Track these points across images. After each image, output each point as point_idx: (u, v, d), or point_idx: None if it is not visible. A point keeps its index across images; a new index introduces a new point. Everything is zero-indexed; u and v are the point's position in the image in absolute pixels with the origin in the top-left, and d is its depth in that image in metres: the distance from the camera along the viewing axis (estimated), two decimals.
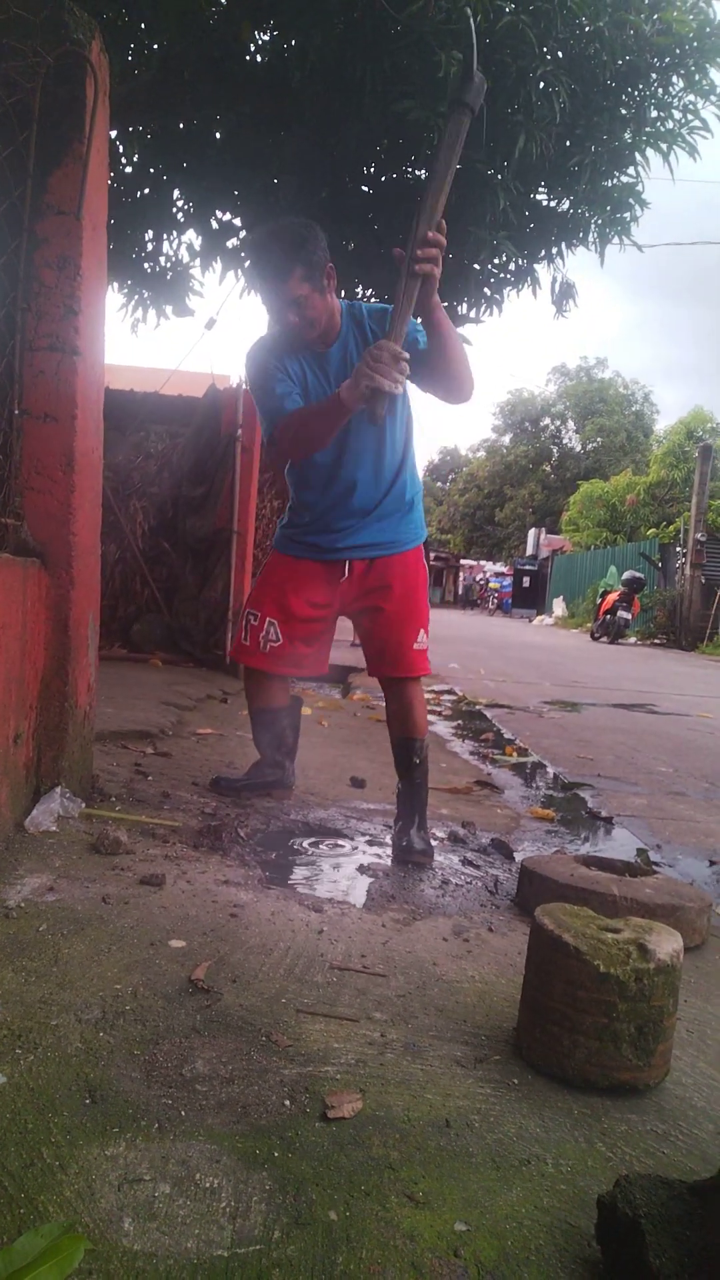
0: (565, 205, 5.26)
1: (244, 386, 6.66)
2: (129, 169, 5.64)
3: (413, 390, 2.60)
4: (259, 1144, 1.23)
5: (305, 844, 2.77)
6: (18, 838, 2.37)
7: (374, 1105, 1.36)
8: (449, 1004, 1.72)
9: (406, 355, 2.24)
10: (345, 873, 2.53)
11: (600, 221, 5.20)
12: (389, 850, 2.72)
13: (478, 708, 6.60)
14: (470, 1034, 1.62)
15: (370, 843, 2.81)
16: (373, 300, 6.06)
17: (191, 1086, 1.35)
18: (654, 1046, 1.46)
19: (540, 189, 5.20)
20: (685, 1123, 1.40)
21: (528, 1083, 1.47)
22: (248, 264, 2.45)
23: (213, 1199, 1.12)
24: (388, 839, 2.82)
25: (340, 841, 2.81)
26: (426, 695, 3.24)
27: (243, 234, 5.84)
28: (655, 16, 4.64)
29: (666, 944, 1.49)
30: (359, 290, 6.10)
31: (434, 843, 2.77)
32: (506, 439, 49.78)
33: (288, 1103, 1.34)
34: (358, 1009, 1.66)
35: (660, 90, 4.95)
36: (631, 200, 5.16)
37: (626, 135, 4.96)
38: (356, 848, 2.76)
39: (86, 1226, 1.05)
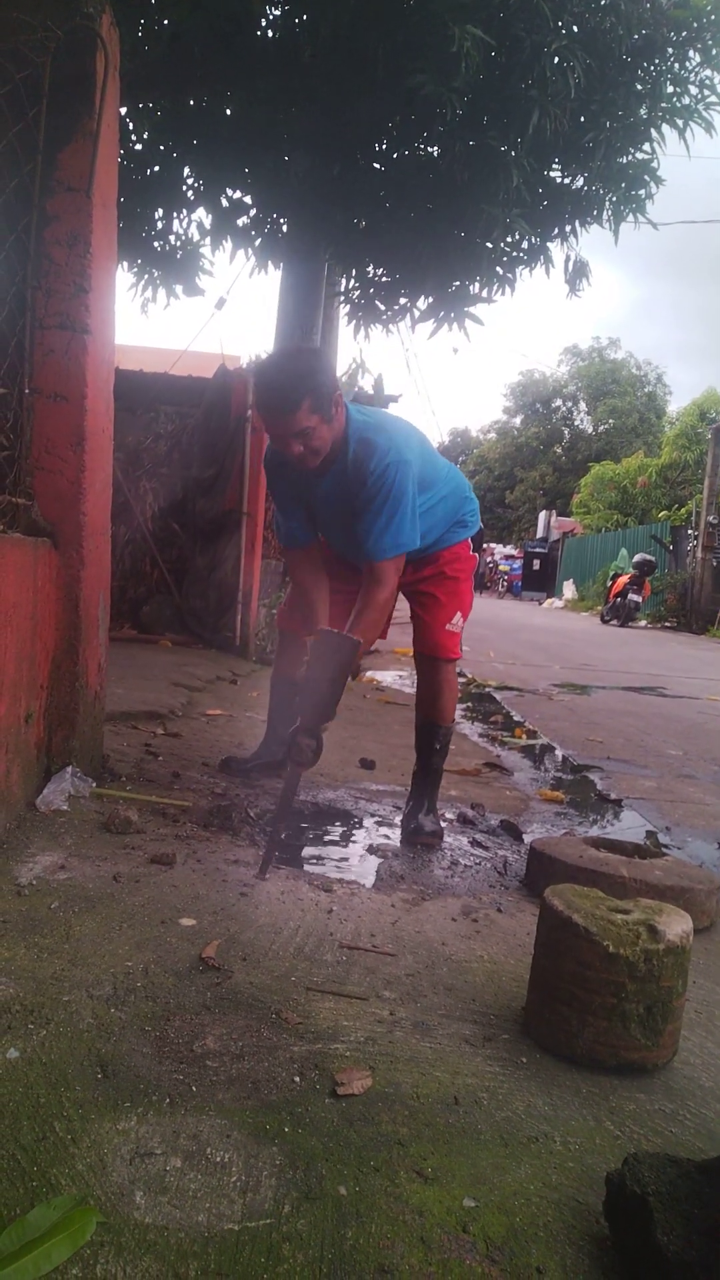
0: (579, 182, 5.19)
1: (254, 367, 6.63)
2: (139, 146, 5.59)
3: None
4: (269, 1119, 1.24)
5: (315, 824, 2.77)
6: (29, 816, 2.39)
7: (383, 1082, 1.36)
8: (458, 983, 1.73)
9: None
10: (354, 853, 2.54)
11: (615, 199, 5.13)
12: (398, 831, 2.72)
13: (487, 690, 6.60)
14: (479, 1013, 1.62)
15: (379, 823, 2.82)
16: (383, 278, 6.01)
17: (202, 1062, 1.37)
18: (663, 1027, 1.46)
19: (554, 166, 5.13)
20: (693, 1102, 1.41)
21: (536, 1061, 1.48)
22: (255, 395, 2.39)
23: (223, 1173, 1.13)
24: (397, 820, 2.82)
25: (350, 822, 2.82)
26: None
27: (253, 212, 5.80)
28: None
29: (676, 925, 1.49)
30: (370, 270, 6.05)
31: (443, 824, 2.78)
32: (517, 420, 49.47)
33: (298, 1079, 1.35)
34: (367, 987, 1.67)
35: (676, 65, 4.87)
36: (646, 177, 5.09)
37: (642, 111, 4.88)
38: (366, 828, 2.77)
39: (98, 1199, 1.06)
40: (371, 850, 2.55)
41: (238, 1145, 1.19)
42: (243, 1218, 1.06)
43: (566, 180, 5.22)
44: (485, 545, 39.14)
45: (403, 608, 2.94)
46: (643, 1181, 1.05)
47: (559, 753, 4.46)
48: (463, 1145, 1.24)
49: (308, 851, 2.53)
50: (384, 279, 6.04)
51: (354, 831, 2.74)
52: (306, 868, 2.37)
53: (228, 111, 5.28)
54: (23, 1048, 1.35)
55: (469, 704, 5.89)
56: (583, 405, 46.89)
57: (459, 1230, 1.07)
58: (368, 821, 2.83)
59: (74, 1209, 1.01)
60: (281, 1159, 1.17)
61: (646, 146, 5.04)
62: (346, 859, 2.49)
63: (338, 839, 2.67)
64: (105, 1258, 0.98)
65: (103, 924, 1.81)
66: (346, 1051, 1.44)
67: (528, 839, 2.77)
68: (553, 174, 5.19)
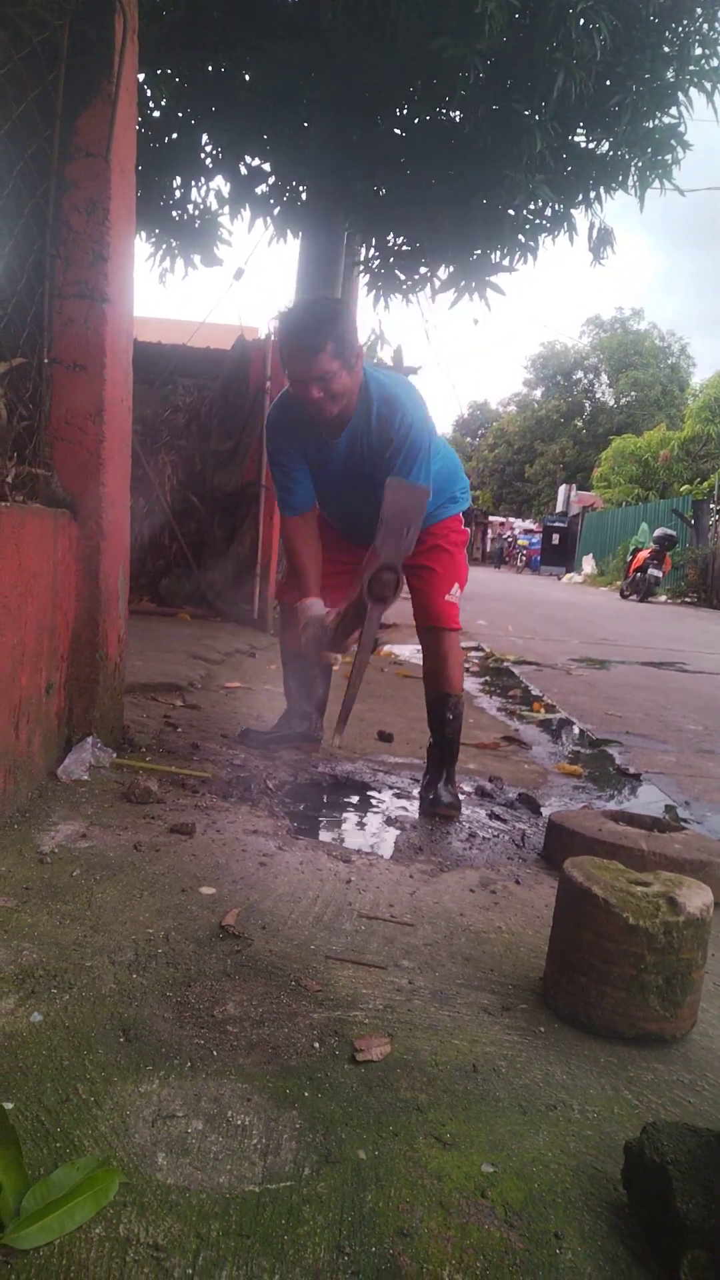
0: (604, 147, 5.10)
1: (273, 338, 6.59)
2: (156, 113, 5.53)
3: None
4: (289, 1084, 1.26)
5: (333, 796, 2.78)
6: (50, 786, 2.41)
7: (402, 1049, 1.37)
8: (476, 953, 1.74)
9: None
10: (373, 824, 2.55)
11: (640, 164, 5.03)
12: (416, 803, 2.73)
13: (505, 664, 6.58)
14: (497, 983, 1.63)
15: (398, 795, 2.82)
16: (403, 247, 5.93)
17: (223, 1027, 1.38)
18: (681, 998, 1.46)
19: (579, 130, 5.03)
20: (712, 1073, 1.41)
21: (554, 1031, 1.49)
22: (279, 337, 2.47)
23: (244, 1136, 1.14)
24: (415, 792, 2.83)
25: (368, 794, 2.83)
26: None
27: (271, 180, 5.73)
28: None
29: (696, 898, 1.49)
30: (390, 239, 5.98)
31: (461, 797, 2.78)
32: (538, 393, 49.01)
33: (317, 1045, 1.36)
34: (386, 957, 1.67)
35: (705, 26, 4.76)
36: (673, 142, 4.99)
37: (669, 74, 4.78)
38: (384, 800, 2.77)
39: (121, 1161, 1.07)
40: (390, 822, 2.56)
41: (258, 1109, 1.20)
42: (263, 1180, 1.07)
43: (591, 145, 5.13)
44: (504, 520, 38.93)
45: None
46: (661, 1150, 1.05)
47: (577, 727, 4.45)
48: (481, 1112, 1.25)
49: (326, 822, 2.54)
50: (404, 247, 5.97)
51: (372, 803, 2.74)
52: (325, 838, 2.38)
53: (246, 77, 5.21)
54: (46, 1011, 1.37)
55: (487, 678, 5.88)
56: (604, 377, 46.38)
57: (478, 1195, 1.08)
58: (386, 793, 2.84)
59: (97, 1169, 1.02)
60: (301, 1123, 1.18)
61: (674, 110, 4.94)
62: (365, 830, 2.50)
63: (356, 811, 2.67)
64: (128, 1217, 0.99)
65: (124, 892, 1.83)
66: (365, 1019, 1.45)
67: (546, 812, 2.77)
68: (577, 139, 5.10)
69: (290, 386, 2.53)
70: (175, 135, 5.61)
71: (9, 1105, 1.15)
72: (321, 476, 2.70)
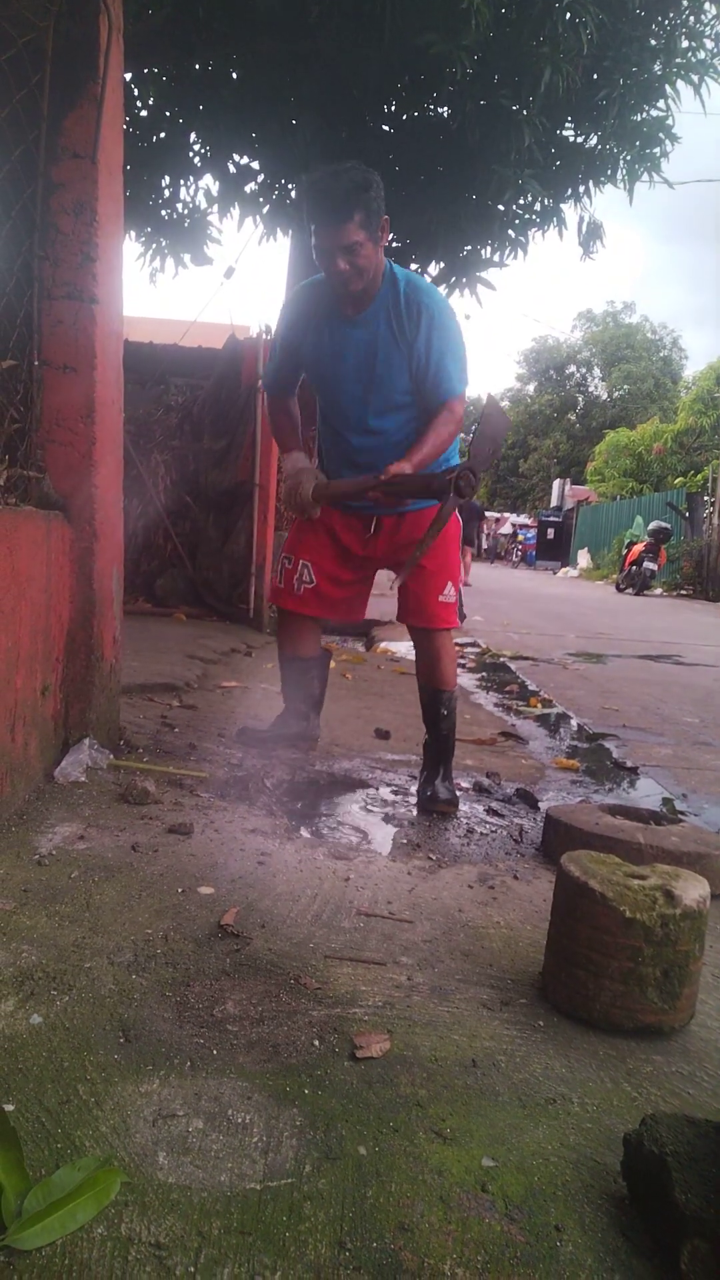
0: (593, 141, 5.10)
1: (265, 337, 6.59)
2: (144, 112, 5.53)
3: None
4: (289, 1082, 1.26)
5: (331, 794, 2.79)
6: (48, 788, 2.41)
7: (401, 1046, 1.38)
8: (475, 949, 1.74)
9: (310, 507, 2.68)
10: (371, 822, 2.55)
11: (629, 157, 5.03)
12: (414, 800, 2.73)
13: (502, 660, 6.59)
14: (496, 978, 1.63)
15: (395, 793, 2.83)
16: (394, 244, 5.93)
17: (222, 1026, 1.38)
18: (679, 990, 1.47)
19: (567, 124, 5.03)
20: (710, 1064, 1.42)
21: (553, 1025, 1.49)
22: (306, 201, 2.43)
23: (245, 1134, 1.14)
24: (413, 789, 2.83)
25: (366, 791, 2.83)
26: None
27: (260, 178, 5.73)
28: None
29: (693, 890, 1.49)
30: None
31: (459, 793, 2.78)
32: (531, 388, 48.99)
33: (317, 1043, 1.36)
34: (385, 953, 1.68)
35: (692, 18, 4.77)
36: (661, 134, 4.99)
37: (656, 67, 4.78)
38: (382, 797, 2.78)
39: (122, 1160, 1.08)
40: (388, 819, 2.56)
41: (259, 1107, 1.20)
42: (264, 1177, 1.07)
43: (579, 139, 5.13)
44: (499, 515, 38.91)
45: (383, 579, 2.94)
46: (660, 1141, 1.06)
47: (574, 721, 4.45)
48: (481, 1106, 1.25)
49: (324, 820, 2.55)
50: (394, 244, 5.96)
51: (370, 800, 2.75)
52: (323, 836, 2.39)
53: (233, 75, 5.20)
54: (46, 1014, 1.37)
55: (484, 674, 5.89)
56: (597, 371, 46.37)
57: (478, 1189, 1.09)
58: (384, 790, 2.84)
59: (98, 1169, 1.03)
60: (302, 1120, 1.18)
61: (661, 103, 4.94)
62: (363, 828, 2.50)
63: (354, 808, 2.68)
64: (130, 1217, 0.99)
65: (122, 892, 1.83)
66: (365, 1016, 1.45)
67: (543, 807, 2.77)
68: (565, 133, 5.10)
69: (315, 256, 2.47)
70: (163, 134, 5.60)
71: (10, 1107, 1.15)
72: (330, 365, 2.65)
